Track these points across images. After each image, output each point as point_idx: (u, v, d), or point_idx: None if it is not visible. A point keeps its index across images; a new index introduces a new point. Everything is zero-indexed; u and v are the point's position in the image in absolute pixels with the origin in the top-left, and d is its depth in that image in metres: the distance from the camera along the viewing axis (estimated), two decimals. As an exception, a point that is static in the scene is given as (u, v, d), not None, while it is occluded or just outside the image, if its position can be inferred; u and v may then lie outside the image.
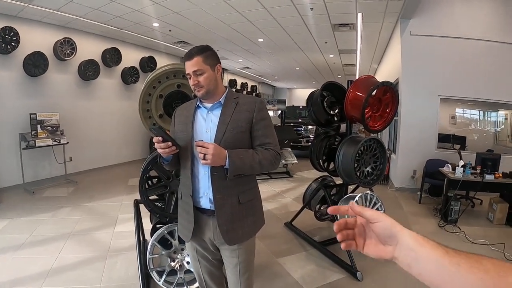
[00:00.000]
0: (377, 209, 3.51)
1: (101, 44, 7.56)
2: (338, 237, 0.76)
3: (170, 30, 7.39)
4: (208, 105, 1.77)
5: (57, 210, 4.82)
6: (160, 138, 1.57)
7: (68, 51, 6.59)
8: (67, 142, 6.42)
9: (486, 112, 7.44)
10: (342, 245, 0.75)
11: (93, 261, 3.38)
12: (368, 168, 3.54)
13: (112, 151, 8.17)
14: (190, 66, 1.69)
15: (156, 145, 1.60)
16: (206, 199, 1.73)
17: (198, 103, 1.80)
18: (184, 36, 8.01)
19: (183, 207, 1.85)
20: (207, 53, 1.72)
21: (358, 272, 3.19)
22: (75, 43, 6.65)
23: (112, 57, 7.71)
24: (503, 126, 7.25)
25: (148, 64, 8.87)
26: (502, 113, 7.15)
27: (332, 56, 10.35)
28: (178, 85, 2.50)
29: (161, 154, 1.66)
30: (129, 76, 8.33)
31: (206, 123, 1.75)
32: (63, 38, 6.48)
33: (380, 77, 10.62)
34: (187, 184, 1.76)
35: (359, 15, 6.03)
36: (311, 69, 13.29)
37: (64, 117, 6.52)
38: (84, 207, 5.02)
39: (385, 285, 3.12)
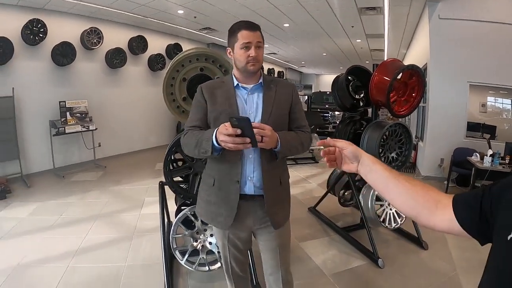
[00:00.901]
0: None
1: (127, 33, 7.67)
2: (325, 158, 1.09)
3: (195, 17, 7.39)
4: (248, 86, 1.72)
5: (85, 193, 4.99)
6: (239, 131, 1.41)
7: (95, 40, 6.72)
8: (96, 129, 6.60)
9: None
10: (328, 164, 1.10)
11: (119, 242, 3.50)
12: (393, 154, 3.47)
13: (139, 136, 8.35)
14: (255, 37, 1.63)
15: (227, 138, 1.43)
16: (250, 184, 1.69)
17: (236, 82, 1.73)
18: (209, 23, 8.00)
19: (217, 194, 1.75)
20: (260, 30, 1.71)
21: (379, 260, 3.16)
22: (101, 32, 6.77)
23: (138, 45, 7.82)
24: None
25: (174, 51, 8.92)
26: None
27: (359, 41, 10.12)
28: (201, 68, 2.53)
29: (224, 145, 1.47)
30: (155, 63, 8.44)
31: (248, 105, 1.71)
32: (90, 28, 6.61)
33: (409, 62, 10.28)
34: (235, 171, 1.68)
35: (386, -3, 5.83)
36: (338, 55, 13.04)
37: (93, 104, 6.69)
38: (111, 191, 5.18)
39: (405, 273, 3.09)
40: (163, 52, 8.75)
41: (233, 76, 1.75)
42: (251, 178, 1.68)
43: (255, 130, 1.42)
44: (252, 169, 1.68)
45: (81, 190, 5.15)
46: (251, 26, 1.64)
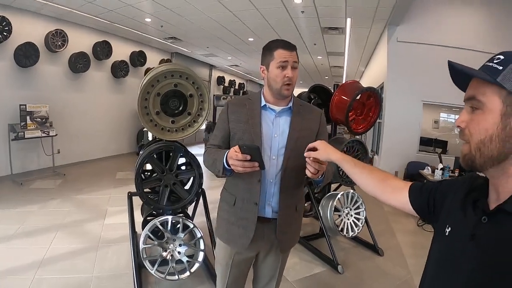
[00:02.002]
0: (359, 207, 3.73)
1: (92, 37, 7.57)
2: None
3: (162, 26, 7.47)
4: (277, 108, 1.68)
5: (46, 202, 4.86)
6: (248, 157, 1.42)
7: (60, 43, 6.59)
8: (56, 134, 6.44)
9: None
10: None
11: (85, 252, 3.46)
12: (351, 168, 3.71)
13: (100, 144, 8.21)
14: (292, 56, 1.60)
15: (237, 162, 1.44)
16: (268, 208, 1.69)
17: (264, 102, 1.69)
18: (176, 32, 8.11)
19: (237, 214, 1.72)
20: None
21: (339, 266, 3.39)
22: (66, 35, 6.65)
23: (103, 50, 7.73)
24: None
25: (138, 58, 8.92)
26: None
27: (320, 57, 10.56)
28: (175, 84, 2.63)
29: (233, 168, 1.48)
30: (119, 70, 8.36)
31: (274, 128, 1.66)
32: (55, 29, 6.47)
33: (367, 80, 10.91)
34: (254, 192, 1.65)
35: (348, 20, 6.22)
36: (299, 70, 13.31)
37: (53, 109, 6.51)
38: (73, 199, 5.08)
39: (363, 278, 3.34)
40: (127, 59, 8.70)
41: (262, 94, 1.71)
42: (270, 202, 1.68)
43: (314, 164, 1.39)
44: (272, 193, 1.67)
45: (41, 198, 5.00)
46: (289, 46, 1.60)
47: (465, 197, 0.85)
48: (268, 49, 1.64)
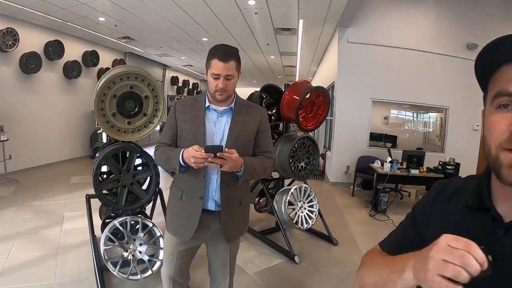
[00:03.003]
0: (311, 200, 3.94)
1: (44, 36, 7.30)
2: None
3: (115, 25, 7.36)
4: (219, 108, 1.79)
5: (1, 210, 4.68)
6: (212, 155, 1.53)
7: (10, 42, 6.31)
8: (7, 139, 6.15)
9: (418, 114, 8.26)
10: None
11: (45, 259, 3.39)
12: (302, 163, 3.94)
13: (53, 148, 7.93)
14: (224, 69, 1.67)
15: (200, 160, 1.56)
16: (212, 202, 1.81)
17: (208, 103, 1.80)
18: (129, 32, 8.01)
19: (184, 207, 1.85)
20: (238, 57, 1.75)
21: (296, 256, 3.58)
22: (18, 34, 6.40)
23: (55, 50, 7.45)
24: (432, 128, 8.12)
25: (91, 58, 8.69)
26: (433, 115, 7.96)
27: (273, 57, 10.80)
28: (131, 86, 2.70)
29: (194, 165, 1.60)
30: (71, 70, 8.09)
31: (216, 128, 1.78)
32: (6, 28, 6.20)
33: (318, 79, 11.30)
34: (199, 187, 1.77)
35: (301, 21, 6.45)
36: (252, 69, 13.64)
37: (4, 112, 6.27)
38: (29, 206, 4.92)
39: (319, 267, 3.55)
40: (80, 59, 8.45)
41: (206, 96, 1.81)
42: (213, 197, 1.80)
43: (218, 160, 1.54)
44: (214, 189, 1.79)
45: None
46: (225, 57, 1.67)
47: (462, 207, 0.74)
48: (209, 56, 1.74)
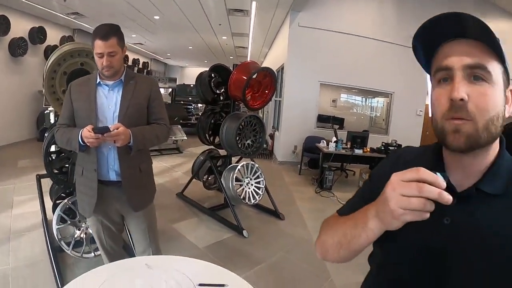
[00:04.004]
0: (258, 176, 4.10)
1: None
2: None
3: (65, 0, 6.97)
4: (109, 82, 1.87)
5: None
6: (100, 135, 1.66)
7: None
8: None
9: (367, 99, 8.65)
10: None
11: None
12: (249, 141, 4.06)
13: (-2, 131, 7.47)
14: (105, 47, 1.75)
15: (92, 140, 1.68)
16: (112, 172, 1.89)
17: (98, 80, 1.88)
18: (79, 8, 7.65)
19: (84, 183, 1.93)
20: (120, 33, 1.83)
21: (244, 231, 3.73)
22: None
23: (0, 26, 6.93)
24: (380, 113, 8.54)
25: (38, 35, 8.14)
26: (381, 99, 8.36)
27: (225, 38, 10.78)
28: (81, 63, 2.68)
29: (89, 145, 1.72)
30: (17, 48, 7.55)
31: (108, 100, 1.87)
32: None
33: (269, 60, 11.46)
34: (92, 160, 1.86)
35: (254, 3, 6.51)
36: (204, 49, 13.56)
37: None
38: None
39: (267, 239, 3.73)
40: (26, 36, 7.89)
41: (98, 73, 1.89)
42: (113, 166, 1.88)
43: (109, 137, 1.69)
44: (113, 158, 1.87)
45: None
46: (104, 36, 1.75)
47: None
48: (92, 38, 1.81)
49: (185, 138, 8.12)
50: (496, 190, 0.68)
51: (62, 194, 2.97)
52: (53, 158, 2.86)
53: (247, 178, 4.08)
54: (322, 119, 7.56)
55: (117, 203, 1.98)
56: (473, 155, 0.69)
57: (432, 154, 0.79)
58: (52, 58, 2.69)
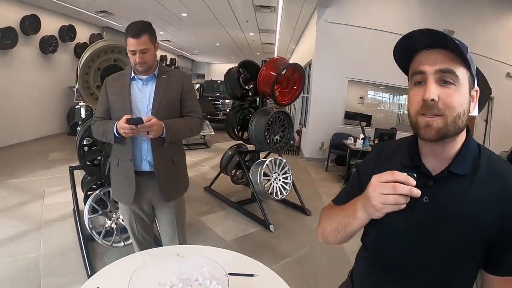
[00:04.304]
0: (286, 172, 4.13)
1: (20, 11, 7.03)
2: None
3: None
4: (143, 77, 1.95)
5: None
6: (135, 127, 1.73)
7: (-16, 17, 6.10)
8: (-18, 117, 6.04)
9: (394, 96, 8.52)
10: None
11: (29, 234, 3.40)
12: (277, 137, 4.11)
13: (29, 125, 7.76)
14: (137, 44, 1.82)
15: (127, 131, 1.75)
16: (146, 162, 1.97)
17: (132, 75, 1.96)
18: (107, 6, 7.88)
19: (121, 173, 2.01)
20: (151, 30, 1.89)
21: (270, 225, 3.77)
22: (-8, 8, 6.17)
23: (31, 24, 7.19)
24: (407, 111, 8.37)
25: (67, 33, 8.47)
26: (404, 97, 8.15)
27: (252, 34, 10.80)
28: (114, 59, 2.79)
29: (124, 135, 1.80)
30: (48, 46, 7.87)
31: (142, 94, 1.95)
32: (-21, 4, 5.98)
33: (297, 57, 11.39)
34: (127, 151, 1.94)
35: (281, -1, 6.48)
36: (231, 45, 13.61)
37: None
38: (6, 184, 4.83)
39: (293, 234, 3.76)
40: (56, 34, 8.21)
41: (132, 69, 1.97)
42: (146, 157, 1.97)
43: (142, 129, 1.76)
44: (146, 150, 1.95)
45: None
46: (136, 33, 1.82)
47: (398, 166, 0.89)
48: (124, 36, 1.89)
49: (213, 133, 8.26)
50: (464, 171, 0.83)
51: (93, 186, 3.12)
52: (86, 150, 2.98)
53: (275, 173, 4.12)
54: (349, 116, 7.49)
55: (150, 193, 2.05)
56: (443, 144, 0.83)
57: (409, 145, 0.93)
58: (86, 54, 2.81)
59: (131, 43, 1.83)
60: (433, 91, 0.78)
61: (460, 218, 0.82)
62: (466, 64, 0.79)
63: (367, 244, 1.05)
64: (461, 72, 0.79)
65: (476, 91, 0.84)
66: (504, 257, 0.82)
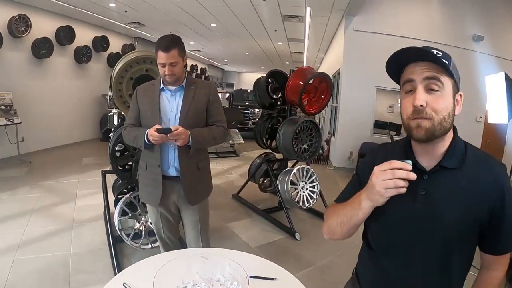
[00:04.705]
0: (313, 181, 4.13)
1: (55, 22, 7.46)
2: None
3: (126, 11, 7.49)
4: (172, 88, 2.07)
5: (15, 189, 4.84)
6: (164, 136, 1.87)
7: (23, 28, 6.47)
8: (20, 122, 6.35)
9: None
10: None
11: (60, 232, 3.59)
12: (305, 145, 4.13)
13: (64, 131, 8.15)
14: (167, 58, 1.94)
15: (157, 139, 1.88)
16: (172, 168, 2.11)
17: (162, 85, 2.08)
18: (139, 17, 8.14)
19: (149, 177, 2.16)
20: (180, 45, 2.01)
21: (296, 233, 3.78)
22: (30, 20, 6.55)
23: (66, 35, 7.61)
24: None
25: (101, 43, 8.86)
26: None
27: (281, 43, 10.86)
28: (146, 70, 2.94)
29: (154, 143, 1.94)
30: (82, 55, 8.27)
31: (171, 104, 2.08)
32: (18, 14, 6.35)
33: (325, 66, 11.35)
34: (156, 157, 2.08)
35: (308, 8, 6.52)
36: (260, 55, 13.75)
37: (17, 96, 6.43)
38: (42, 186, 5.11)
39: (318, 243, 3.73)
40: (90, 44, 8.61)
41: (161, 80, 2.10)
42: (173, 163, 2.10)
43: (171, 136, 1.89)
44: (173, 156, 2.09)
45: (9, 186, 4.97)
46: (166, 48, 1.94)
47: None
48: (155, 48, 2.01)
49: (242, 141, 8.36)
50: (454, 165, 0.96)
51: (124, 190, 3.24)
52: (118, 156, 3.11)
53: (302, 182, 4.13)
54: (379, 125, 7.40)
55: (175, 196, 2.18)
56: (433, 143, 0.95)
57: (403, 146, 1.05)
58: (120, 65, 2.96)
59: (161, 57, 1.95)
60: (422, 98, 0.90)
61: (455, 205, 0.94)
62: (449, 72, 0.91)
63: (371, 238, 1.15)
64: (445, 80, 0.91)
65: (461, 95, 0.97)
66: (497, 238, 0.97)
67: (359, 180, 1.14)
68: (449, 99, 0.93)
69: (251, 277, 1.39)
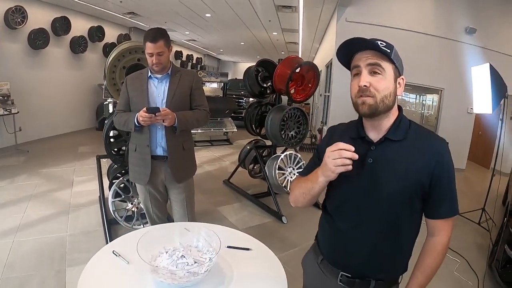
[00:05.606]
0: (300, 166, 4.28)
1: (51, 13, 7.52)
2: None
3: (121, 1, 7.54)
4: (159, 76, 2.27)
5: (13, 177, 4.95)
6: (153, 116, 2.05)
7: (19, 20, 6.54)
8: (18, 112, 6.44)
9: (420, 96, 8.42)
10: None
11: (57, 216, 3.77)
12: (292, 132, 4.28)
13: (61, 120, 8.26)
14: (154, 48, 2.13)
15: (145, 119, 2.06)
16: (160, 148, 2.30)
17: (149, 74, 2.28)
18: (134, 7, 8.20)
19: (138, 157, 2.33)
20: (166, 36, 2.20)
21: (283, 217, 3.95)
22: (26, 11, 6.61)
23: (62, 26, 7.67)
24: (432, 111, 8.25)
25: (96, 33, 8.91)
26: (430, 97, 8.09)
27: (276, 34, 10.93)
28: (138, 59, 3.10)
29: (143, 123, 2.11)
30: (77, 46, 8.35)
31: (158, 90, 2.28)
32: (15, 6, 6.41)
33: (319, 56, 11.40)
34: (145, 137, 2.26)
35: (301, -1, 6.60)
36: (255, 45, 13.83)
37: (14, 86, 6.52)
38: (39, 173, 5.23)
39: (305, 226, 3.89)
40: (86, 35, 8.67)
41: (149, 69, 2.29)
42: (160, 143, 2.29)
43: (159, 116, 2.07)
44: (161, 137, 2.28)
45: (8, 174, 5.09)
46: (154, 39, 2.12)
47: (348, 139, 1.13)
48: (143, 39, 2.20)
49: (235, 130, 8.48)
50: (398, 137, 1.12)
51: (118, 174, 3.42)
52: (112, 141, 3.28)
53: (289, 167, 4.28)
54: (368, 114, 7.47)
55: (163, 175, 2.36)
56: (379, 119, 1.12)
57: (356, 123, 1.22)
58: (113, 54, 3.12)
59: (149, 47, 2.14)
60: (366, 79, 1.06)
61: (398, 172, 1.10)
62: (390, 59, 1.07)
63: (328, 205, 1.31)
64: (386, 65, 1.07)
65: (402, 79, 1.14)
66: (437, 203, 1.12)
67: (318, 155, 1.29)
68: (390, 81, 1.08)
69: (228, 247, 1.54)
